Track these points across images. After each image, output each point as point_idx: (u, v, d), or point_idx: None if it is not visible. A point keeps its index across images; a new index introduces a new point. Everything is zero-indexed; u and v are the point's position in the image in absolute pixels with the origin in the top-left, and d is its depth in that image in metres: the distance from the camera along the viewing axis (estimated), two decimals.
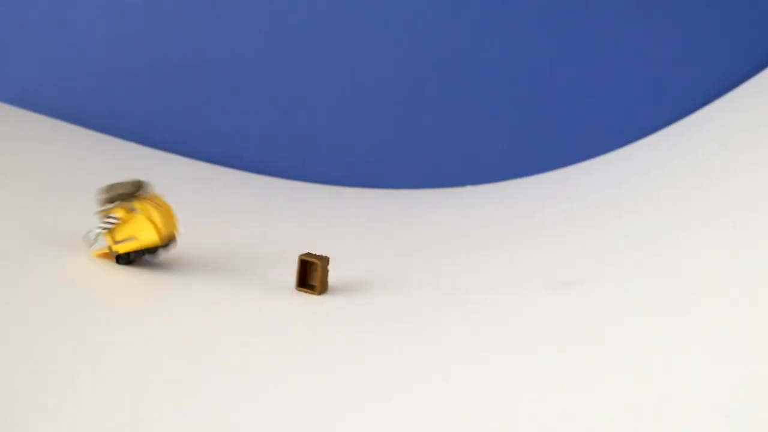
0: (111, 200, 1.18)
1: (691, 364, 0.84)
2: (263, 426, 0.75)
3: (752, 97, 1.72)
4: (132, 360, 0.87)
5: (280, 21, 1.96)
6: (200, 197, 1.68)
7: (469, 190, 1.78)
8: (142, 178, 1.23)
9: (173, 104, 1.97)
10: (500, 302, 1.08)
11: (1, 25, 1.98)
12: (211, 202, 1.67)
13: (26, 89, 1.95)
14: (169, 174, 1.80)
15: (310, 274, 1.18)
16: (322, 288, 1.17)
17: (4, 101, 1.93)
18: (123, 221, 1.17)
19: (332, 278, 1.21)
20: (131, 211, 1.17)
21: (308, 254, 1.18)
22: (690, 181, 1.44)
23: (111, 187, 1.18)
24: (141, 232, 1.17)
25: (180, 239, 1.23)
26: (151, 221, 1.17)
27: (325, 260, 1.17)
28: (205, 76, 1.97)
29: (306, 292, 1.16)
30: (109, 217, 1.17)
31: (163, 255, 1.23)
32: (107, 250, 1.18)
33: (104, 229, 1.16)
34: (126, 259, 1.18)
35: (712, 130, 1.68)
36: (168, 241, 1.20)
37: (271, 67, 1.97)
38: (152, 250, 1.19)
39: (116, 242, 1.17)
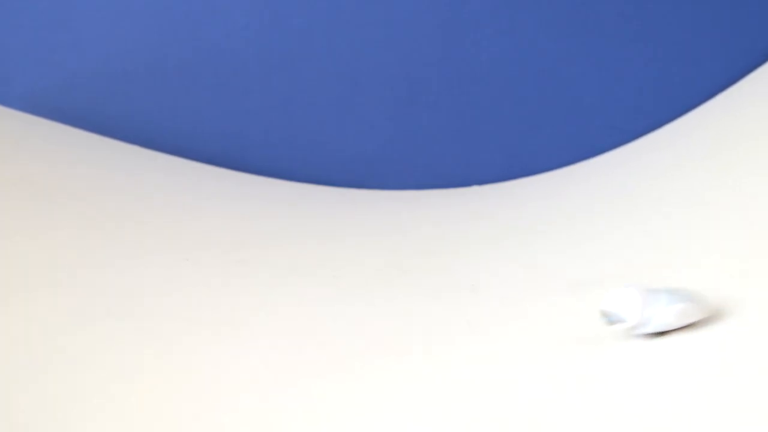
0: None
1: (708, 364, 0.85)
2: None
3: (752, 92, 1.73)
4: None
5: (281, 21, 1.95)
6: (202, 200, 1.67)
7: (475, 190, 1.78)
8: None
9: (174, 106, 1.97)
10: (523, 303, 1.09)
11: (1, 27, 1.96)
12: (212, 206, 1.66)
13: (27, 92, 1.94)
14: (170, 177, 1.80)
15: None
16: None
17: (5, 104, 1.92)
18: None
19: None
20: None
21: None
22: (700, 175, 1.44)
23: None
24: None
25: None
26: None
27: None
28: (205, 78, 1.96)
29: None
30: None
31: None
32: None
33: None
34: None
35: (714, 126, 1.69)
36: None
37: (271, 67, 1.96)
38: None
39: None
